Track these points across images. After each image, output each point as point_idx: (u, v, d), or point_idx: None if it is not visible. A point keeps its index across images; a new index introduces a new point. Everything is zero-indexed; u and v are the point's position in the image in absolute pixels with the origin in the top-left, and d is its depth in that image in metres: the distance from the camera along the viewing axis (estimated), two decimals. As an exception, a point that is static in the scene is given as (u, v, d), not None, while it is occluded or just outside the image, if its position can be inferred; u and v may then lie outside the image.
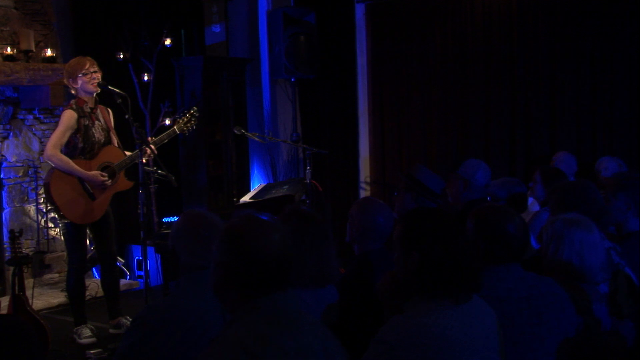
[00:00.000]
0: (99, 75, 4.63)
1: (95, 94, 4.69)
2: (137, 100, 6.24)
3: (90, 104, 4.68)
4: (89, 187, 4.62)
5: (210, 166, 6.92)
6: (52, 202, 4.63)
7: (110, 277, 4.90)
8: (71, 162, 4.55)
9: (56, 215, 4.92)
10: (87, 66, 4.60)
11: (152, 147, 4.72)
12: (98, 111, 4.75)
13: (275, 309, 1.81)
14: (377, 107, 7.47)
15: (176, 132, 5.06)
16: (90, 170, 4.63)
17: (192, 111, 5.20)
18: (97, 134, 4.69)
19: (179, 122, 5.15)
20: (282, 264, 1.82)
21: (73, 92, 4.70)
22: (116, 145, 4.80)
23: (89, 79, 4.59)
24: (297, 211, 2.68)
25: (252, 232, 1.82)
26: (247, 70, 7.36)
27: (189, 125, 5.14)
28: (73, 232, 4.67)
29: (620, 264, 2.97)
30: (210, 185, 6.89)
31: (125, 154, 4.76)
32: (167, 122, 6.26)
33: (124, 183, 4.82)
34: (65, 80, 4.75)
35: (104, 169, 4.68)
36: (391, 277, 2.35)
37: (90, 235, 4.92)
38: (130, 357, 2.32)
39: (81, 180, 4.60)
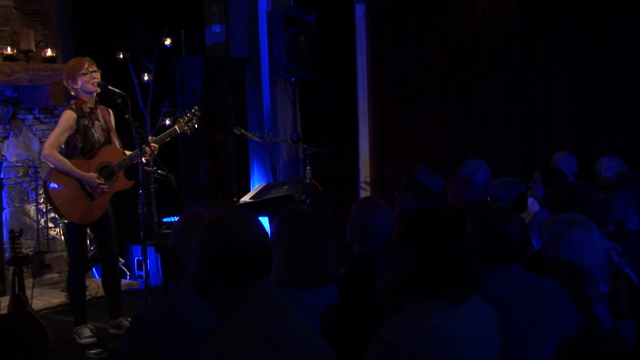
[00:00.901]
0: (98, 75, 4.63)
1: (95, 94, 4.69)
2: (137, 100, 6.24)
3: (90, 104, 4.68)
4: (87, 188, 4.62)
5: (210, 166, 6.92)
6: (51, 202, 4.64)
7: (111, 277, 4.90)
8: (68, 163, 4.55)
9: (56, 215, 4.91)
10: (86, 66, 4.59)
11: (154, 145, 4.72)
12: (98, 111, 4.74)
13: (265, 295, 1.85)
14: (377, 107, 7.46)
15: (177, 131, 5.05)
16: (89, 170, 4.62)
17: (193, 110, 5.19)
18: (97, 134, 4.69)
19: (179, 121, 5.14)
20: (263, 251, 1.88)
21: (73, 92, 4.69)
22: (117, 145, 4.80)
23: (88, 78, 4.59)
24: (296, 211, 2.68)
25: (232, 223, 1.87)
26: (247, 70, 7.36)
27: (190, 124, 5.12)
28: (73, 232, 4.67)
29: (620, 263, 2.96)
30: (210, 185, 6.89)
31: (125, 154, 4.76)
32: (167, 122, 6.26)
33: (123, 183, 4.81)
34: (64, 82, 4.74)
35: (103, 168, 4.67)
36: (391, 277, 2.35)
37: (91, 235, 4.92)
38: (130, 357, 2.32)
39: (80, 180, 4.60)
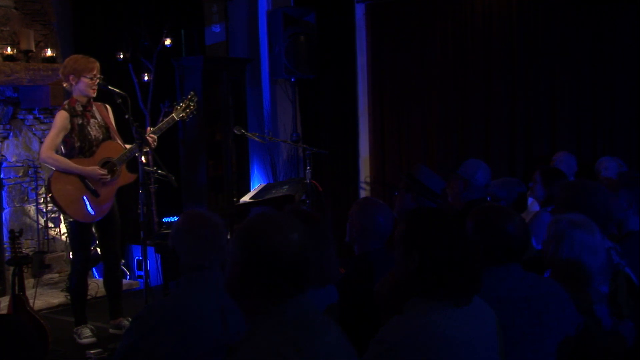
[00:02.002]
0: (98, 80, 4.62)
1: None
2: (137, 100, 6.23)
3: (83, 102, 4.65)
4: (90, 185, 4.61)
5: (210, 166, 6.92)
6: (55, 203, 4.63)
7: (113, 277, 4.89)
8: (67, 161, 4.54)
9: (62, 216, 4.88)
10: (95, 72, 4.57)
11: (152, 136, 4.70)
12: (93, 109, 4.72)
13: (300, 312, 1.75)
14: (377, 107, 7.46)
15: (175, 119, 4.94)
16: None
17: (189, 96, 5.07)
18: (94, 131, 4.67)
19: (177, 109, 4.99)
20: (301, 263, 1.76)
21: (66, 85, 4.67)
22: (118, 141, 4.78)
23: (92, 84, 4.58)
24: (296, 211, 2.68)
25: (271, 230, 1.75)
26: (247, 70, 7.35)
27: (187, 111, 5.00)
28: (77, 231, 4.67)
29: (620, 264, 2.96)
30: (210, 185, 6.88)
31: (125, 148, 4.74)
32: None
33: (126, 176, 4.78)
34: (62, 71, 4.65)
35: (104, 164, 4.67)
36: (391, 278, 2.35)
37: (96, 235, 4.91)
38: (129, 357, 2.32)
39: (82, 178, 4.59)
